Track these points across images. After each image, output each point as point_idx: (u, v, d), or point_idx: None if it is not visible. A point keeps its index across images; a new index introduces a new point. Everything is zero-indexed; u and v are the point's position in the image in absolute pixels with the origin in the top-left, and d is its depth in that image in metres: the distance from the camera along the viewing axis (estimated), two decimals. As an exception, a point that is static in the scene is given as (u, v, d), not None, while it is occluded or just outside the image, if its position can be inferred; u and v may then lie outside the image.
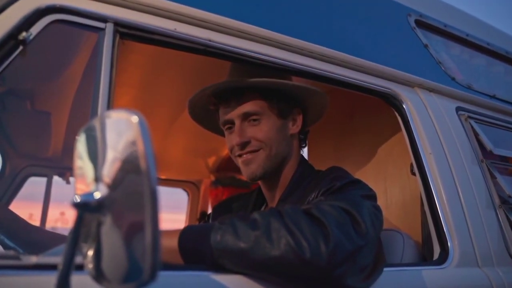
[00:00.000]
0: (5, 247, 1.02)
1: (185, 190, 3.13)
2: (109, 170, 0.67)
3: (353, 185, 1.16)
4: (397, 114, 1.50)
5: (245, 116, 1.33)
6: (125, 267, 0.65)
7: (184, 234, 1.00)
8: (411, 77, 1.56)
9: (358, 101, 1.98)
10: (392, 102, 1.50)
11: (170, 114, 2.41)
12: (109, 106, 0.93)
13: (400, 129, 1.50)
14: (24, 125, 1.82)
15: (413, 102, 1.50)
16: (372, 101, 1.56)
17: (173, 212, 3.25)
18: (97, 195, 0.66)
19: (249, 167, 1.34)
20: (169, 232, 1.02)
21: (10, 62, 0.91)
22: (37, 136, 1.95)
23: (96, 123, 0.70)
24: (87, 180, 0.70)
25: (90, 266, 0.70)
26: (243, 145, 1.32)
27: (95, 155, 0.70)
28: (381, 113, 1.71)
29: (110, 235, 0.67)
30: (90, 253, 0.70)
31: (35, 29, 0.94)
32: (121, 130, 0.66)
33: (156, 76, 2.04)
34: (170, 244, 0.99)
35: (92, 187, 0.68)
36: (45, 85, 1.50)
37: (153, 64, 1.91)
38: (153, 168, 0.61)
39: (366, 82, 1.44)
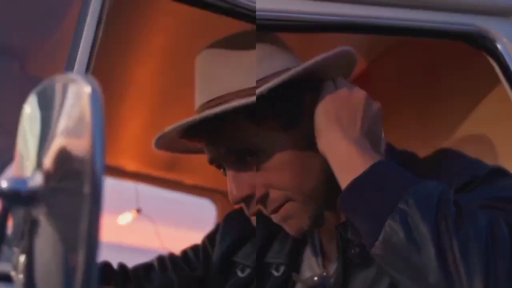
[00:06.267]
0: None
1: (212, 200, 2.54)
2: (53, 152, 0.50)
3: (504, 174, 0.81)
4: (490, 59, 1.10)
5: (235, 156, 0.85)
6: (57, 285, 0.48)
7: (380, 171, 0.73)
8: (504, 2, 1.13)
9: (442, 53, 1.49)
10: (480, 43, 1.11)
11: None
12: (88, 71, 0.76)
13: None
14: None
15: (511, 38, 1.09)
16: (461, 50, 1.19)
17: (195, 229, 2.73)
18: (31, 183, 0.49)
19: (290, 224, 0.87)
20: (367, 155, 0.76)
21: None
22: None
23: (47, 88, 0.53)
24: (26, 163, 0.53)
25: (19, 277, 0.53)
26: (261, 200, 0.84)
27: (42, 132, 0.53)
28: (477, 63, 1.23)
29: (44, 239, 0.50)
30: (22, 260, 0.54)
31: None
32: (72, 101, 0.49)
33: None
34: (356, 164, 0.74)
35: (29, 172, 0.51)
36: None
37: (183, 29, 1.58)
38: (99, 157, 0.43)
39: (437, 22, 1.07)
